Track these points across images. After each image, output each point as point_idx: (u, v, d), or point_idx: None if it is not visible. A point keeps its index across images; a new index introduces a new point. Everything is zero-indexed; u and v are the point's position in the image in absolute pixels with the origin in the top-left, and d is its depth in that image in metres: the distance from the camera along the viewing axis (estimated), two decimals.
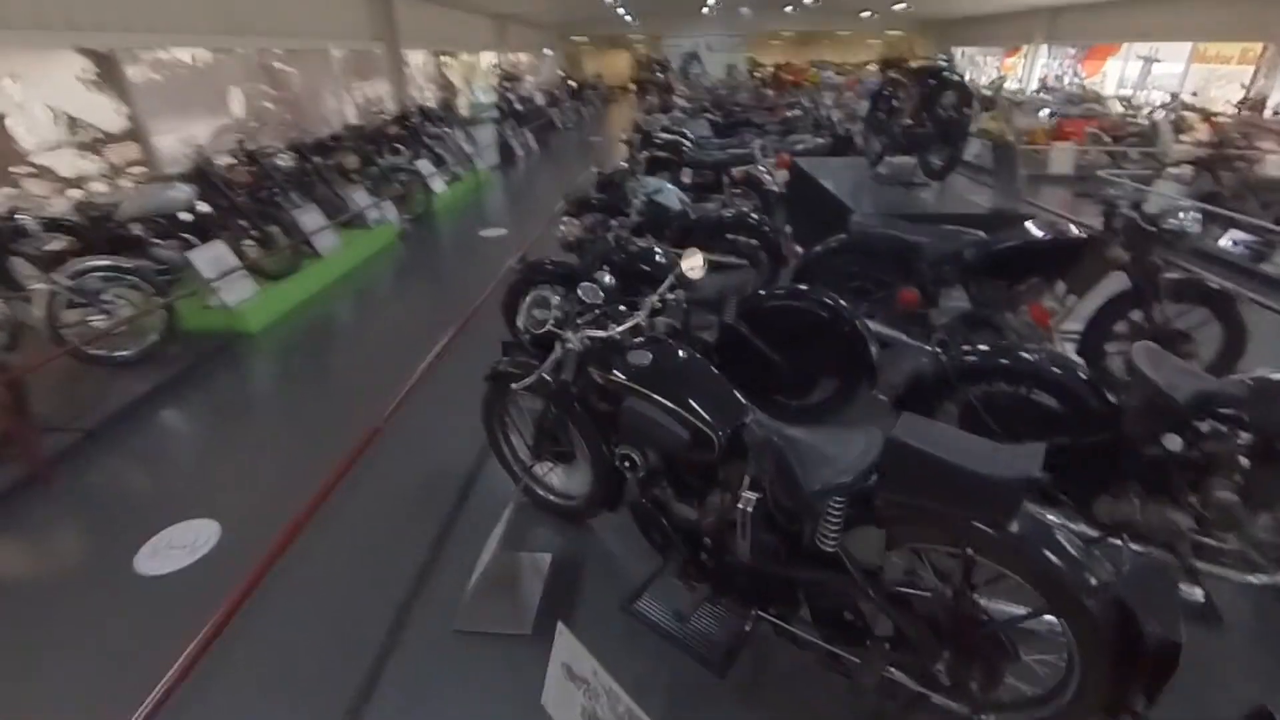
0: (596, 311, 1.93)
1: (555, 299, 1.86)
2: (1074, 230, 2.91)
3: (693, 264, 2.12)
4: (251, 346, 4.57)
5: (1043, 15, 18.15)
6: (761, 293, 2.93)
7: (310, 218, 5.58)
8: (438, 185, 8.07)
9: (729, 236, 4.59)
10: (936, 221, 3.63)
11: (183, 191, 4.66)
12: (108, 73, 6.09)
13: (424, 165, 7.96)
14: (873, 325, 3.16)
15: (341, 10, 10.05)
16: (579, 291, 1.94)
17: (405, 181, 7.35)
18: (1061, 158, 9.30)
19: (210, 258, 4.55)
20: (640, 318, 1.90)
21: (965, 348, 2.30)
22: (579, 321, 1.89)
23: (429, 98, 13.54)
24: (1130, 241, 2.79)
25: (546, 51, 25.31)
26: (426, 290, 5.66)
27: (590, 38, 30.21)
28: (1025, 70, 18.67)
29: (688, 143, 6.06)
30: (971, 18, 21.42)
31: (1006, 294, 3.16)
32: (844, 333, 2.74)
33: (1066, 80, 16.80)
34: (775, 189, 5.35)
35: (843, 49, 32.22)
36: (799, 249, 3.66)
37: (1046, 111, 10.99)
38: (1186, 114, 10.28)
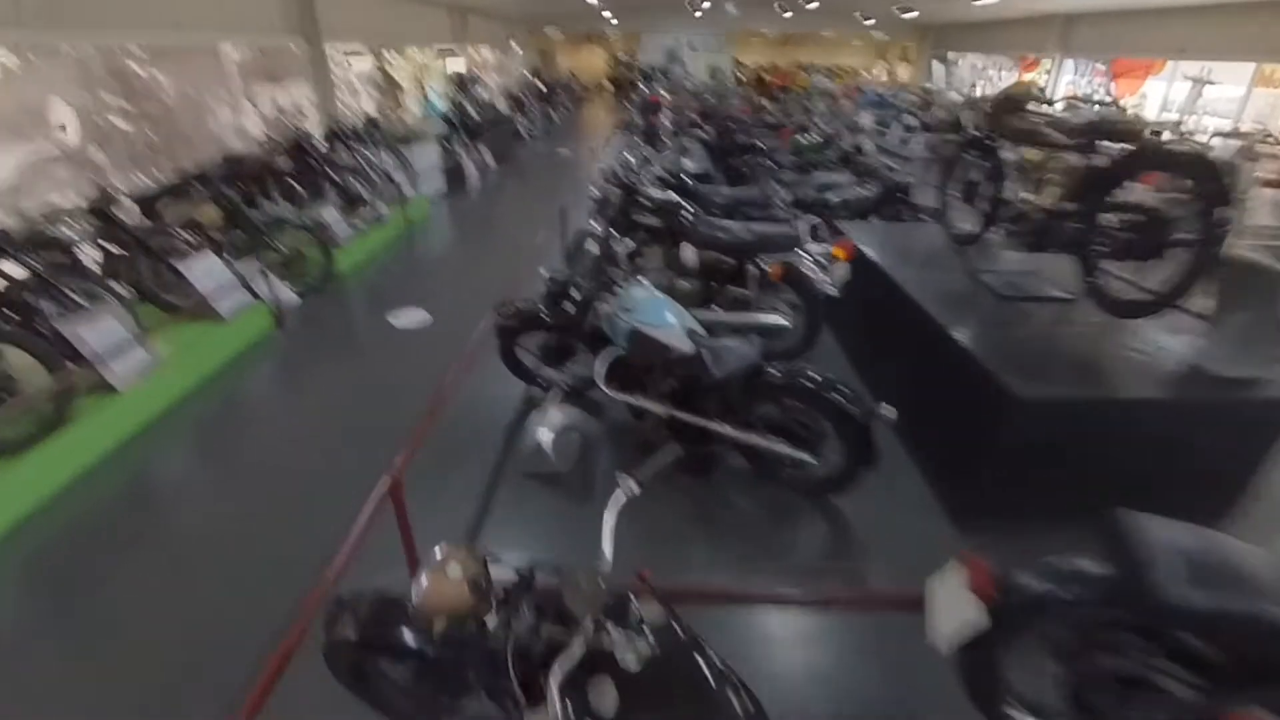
0: None
1: None
2: None
3: None
4: None
5: (1055, 23, 16.67)
6: None
7: (97, 330, 3.52)
8: (347, 237, 6.01)
9: (785, 402, 2.70)
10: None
11: None
12: None
13: (327, 211, 5.90)
14: None
15: None
16: None
17: (295, 239, 5.29)
18: None
19: None
20: None
21: None
22: None
23: (366, 105, 11.40)
24: None
25: (514, 48, 23.10)
26: (299, 440, 3.64)
27: (565, 33, 28.06)
28: (1049, 85, 17.12)
29: (689, 206, 4.11)
30: (976, 23, 19.88)
31: None
32: None
33: (1096, 99, 15.27)
34: (832, 292, 3.47)
35: (827, 50, 30.73)
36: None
37: None
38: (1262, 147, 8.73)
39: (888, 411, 2.43)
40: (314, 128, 9.02)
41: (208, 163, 5.68)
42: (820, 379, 2.55)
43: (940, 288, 3.29)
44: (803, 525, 2.78)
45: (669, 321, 2.72)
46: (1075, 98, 14.94)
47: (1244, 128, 11.39)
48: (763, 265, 3.59)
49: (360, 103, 11.27)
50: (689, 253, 3.81)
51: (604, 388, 2.84)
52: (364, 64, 11.22)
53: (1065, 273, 2.99)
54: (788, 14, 20.23)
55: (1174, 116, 13.73)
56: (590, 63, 33.25)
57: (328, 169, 6.04)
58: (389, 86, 12.52)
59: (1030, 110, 3.32)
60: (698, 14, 20.43)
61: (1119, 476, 2.53)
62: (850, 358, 4.13)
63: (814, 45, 30.67)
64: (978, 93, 20.55)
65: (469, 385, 3.78)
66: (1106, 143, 2.87)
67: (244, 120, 8.14)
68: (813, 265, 3.41)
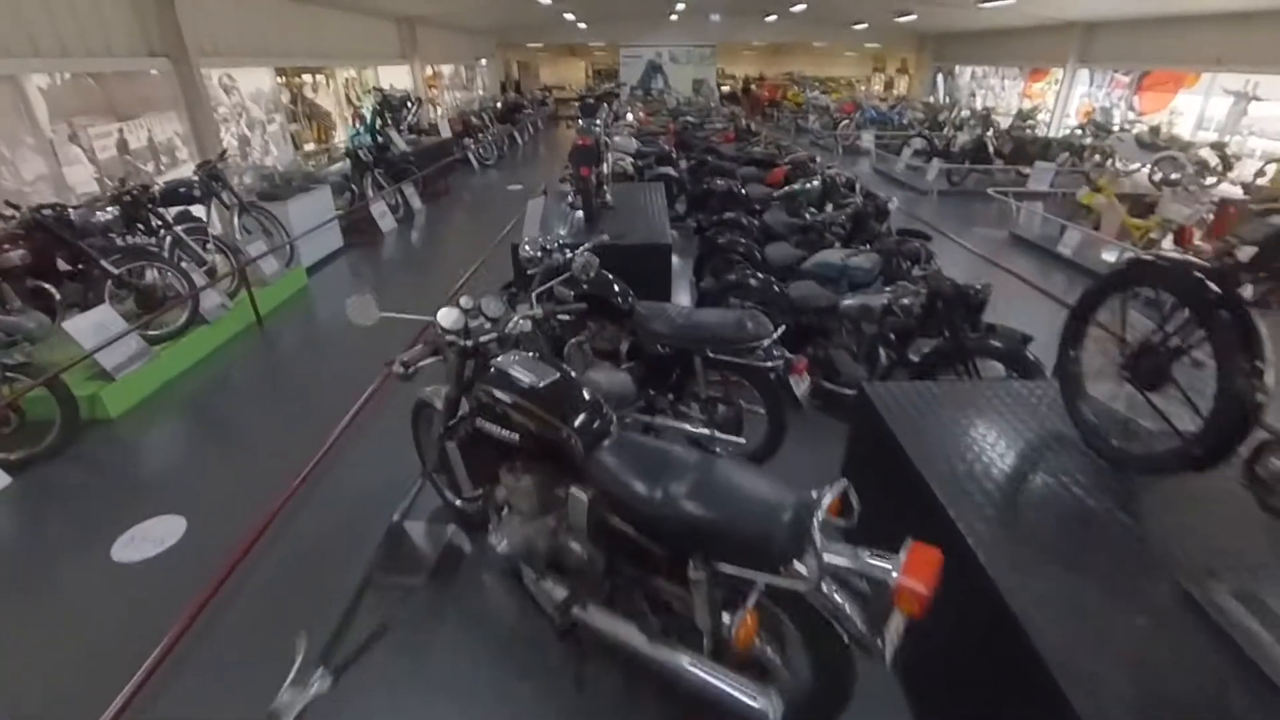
0: None
1: None
2: None
3: None
4: None
5: (1074, 32, 14.92)
6: None
7: None
8: (129, 359, 4.04)
9: None
10: None
11: None
12: None
13: (97, 322, 3.94)
14: None
15: (57, 11, 5.96)
16: None
17: (18, 377, 3.35)
18: None
19: None
20: None
21: None
22: None
23: (277, 137, 9.48)
24: None
25: (482, 64, 21.28)
26: None
27: (546, 46, 26.32)
28: (1059, 100, 15.39)
29: (587, 400, 2.04)
30: (983, 32, 18.18)
31: None
32: None
33: (1118, 117, 13.51)
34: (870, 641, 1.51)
35: (818, 60, 29.27)
36: None
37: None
38: None
39: None
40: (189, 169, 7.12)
41: None
42: None
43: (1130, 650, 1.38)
44: None
45: None
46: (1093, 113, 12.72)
47: None
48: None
49: (266, 136, 9.36)
50: (578, 506, 1.88)
51: None
52: (267, 87, 9.29)
53: None
54: (771, 16, 18.55)
55: (1212, 136, 11.99)
56: (572, 76, 31.60)
57: (99, 257, 4.08)
58: (308, 113, 10.63)
59: None
60: (673, 16, 18.74)
61: None
62: None
63: (805, 56, 29.14)
64: (977, 103, 18.79)
65: None
66: None
67: (68, 171, 6.18)
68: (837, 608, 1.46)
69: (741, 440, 2.94)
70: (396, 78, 13.81)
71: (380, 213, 7.84)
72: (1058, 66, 15.77)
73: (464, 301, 2.12)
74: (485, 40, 21.56)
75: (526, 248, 3.25)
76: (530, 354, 2.12)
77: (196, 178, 5.34)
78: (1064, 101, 15.29)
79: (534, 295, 2.62)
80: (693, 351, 2.86)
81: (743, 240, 4.75)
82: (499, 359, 2.06)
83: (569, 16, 19.04)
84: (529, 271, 3.06)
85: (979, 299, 3.10)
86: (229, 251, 5.14)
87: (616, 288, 3.09)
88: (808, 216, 5.34)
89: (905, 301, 3.28)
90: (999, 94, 18.21)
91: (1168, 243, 6.01)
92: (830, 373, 3.72)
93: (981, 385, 2.60)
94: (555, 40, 24.57)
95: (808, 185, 5.81)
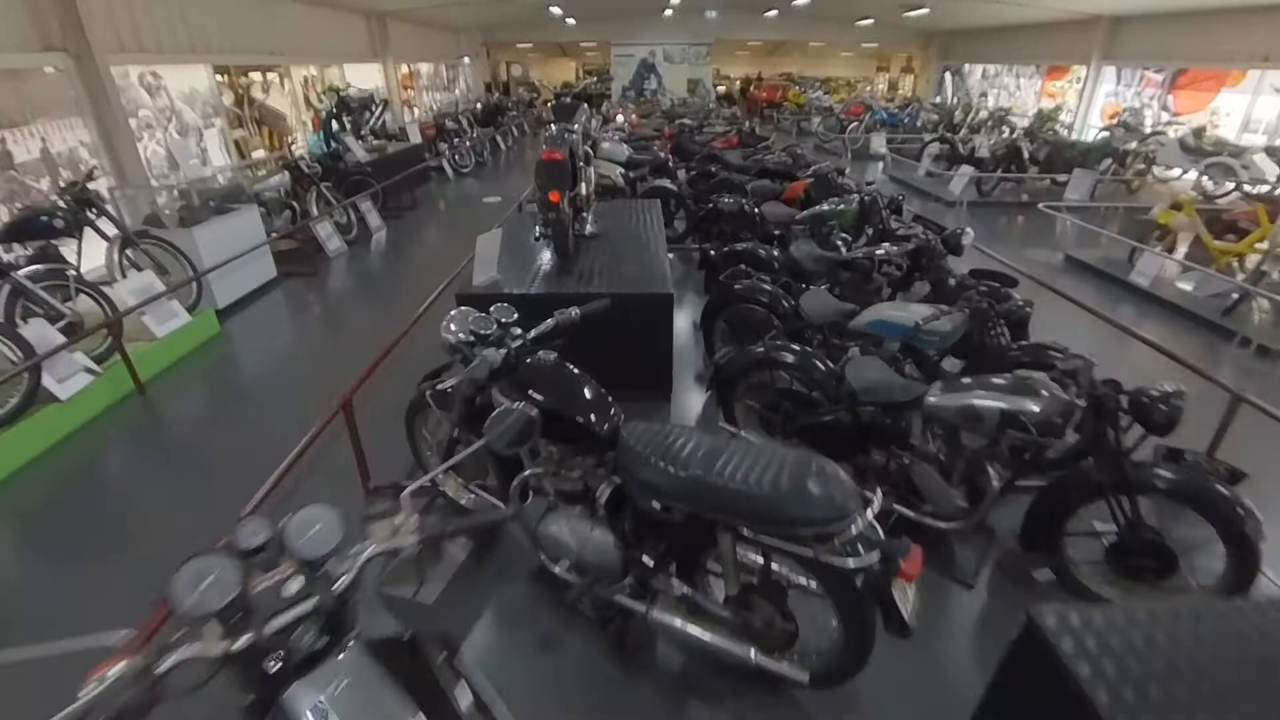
0: None
1: None
2: None
3: None
4: None
5: (1099, 27, 13.85)
6: None
7: None
8: None
9: None
10: None
11: None
12: None
13: None
14: None
15: None
16: None
17: None
18: None
19: None
20: None
21: None
22: None
23: (214, 146, 8.28)
24: None
25: (465, 61, 20.07)
26: None
27: (536, 45, 25.15)
28: (1082, 100, 14.31)
29: None
30: (996, 28, 17.11)
31: None
32: None
33: (1149, 118, 12.45)
34: None
35: (814, 60, 28.37)
36: None
37: None
38: None
39: None
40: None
41: None
42: None
43: None
44: None
45: None
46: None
47: None
48: None
49: (209, 145, 8.16)
50: None
51: None
52: (204, 87, 8.09)
53: None
54: (772, 13, 17.49)
55: (1261, 139, 10.93)
56: (563, 76, 30.48)
57: None
58: (257, 118, 9.42)
59: None
60: (667, 13, 17.63)
61: None
62: None
63: (800, 54, 28.14)
64: (989, 103, 17.66)
65: None
66: None
67: None
68: None
69: (802, 678, 1.78)
70: (366, 77, 12.61)
71: (326, 234, 6.65)
72: (1079, 64, 14.72)
73: (247, 535, 0.95)
74: (469, 38, 20.36)
75: (453, 327, 2.08)
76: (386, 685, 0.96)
77: (63, 204, 4.15)
78: (1088, 101, 14.21)
79: (443, 476, 1.46)
80: (717, 522, 1.71)
81: (767, 285, 3.60)
82: (301, 688, 0.90)
83: (556, 11, 17.88)
84: (440, 384, 1.91)
85: (1167, 416, 1.96)
86: (101, 299, 3.96)
87: (588, 395, 1.94)
88: (843, 249, 4.20)
89: (1055, 419, 2.10)
90: (1013, 93, 17.11)
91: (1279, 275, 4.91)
92: (906, 492, 2.58)
93: (1239, 611, 1.46)
94: (544, 38, 23.37)
95: (840, 206, 4.68)
